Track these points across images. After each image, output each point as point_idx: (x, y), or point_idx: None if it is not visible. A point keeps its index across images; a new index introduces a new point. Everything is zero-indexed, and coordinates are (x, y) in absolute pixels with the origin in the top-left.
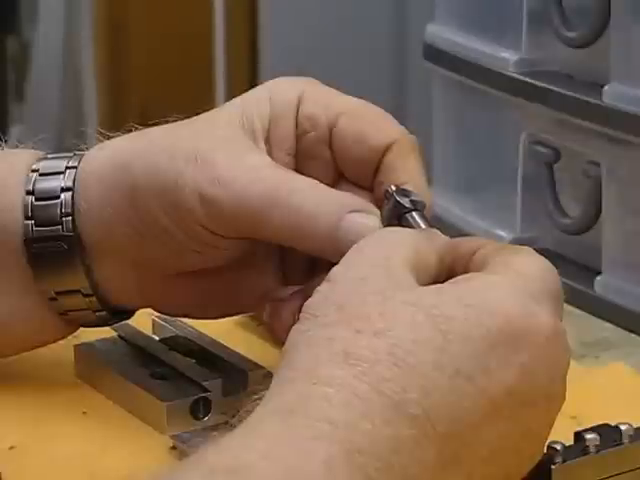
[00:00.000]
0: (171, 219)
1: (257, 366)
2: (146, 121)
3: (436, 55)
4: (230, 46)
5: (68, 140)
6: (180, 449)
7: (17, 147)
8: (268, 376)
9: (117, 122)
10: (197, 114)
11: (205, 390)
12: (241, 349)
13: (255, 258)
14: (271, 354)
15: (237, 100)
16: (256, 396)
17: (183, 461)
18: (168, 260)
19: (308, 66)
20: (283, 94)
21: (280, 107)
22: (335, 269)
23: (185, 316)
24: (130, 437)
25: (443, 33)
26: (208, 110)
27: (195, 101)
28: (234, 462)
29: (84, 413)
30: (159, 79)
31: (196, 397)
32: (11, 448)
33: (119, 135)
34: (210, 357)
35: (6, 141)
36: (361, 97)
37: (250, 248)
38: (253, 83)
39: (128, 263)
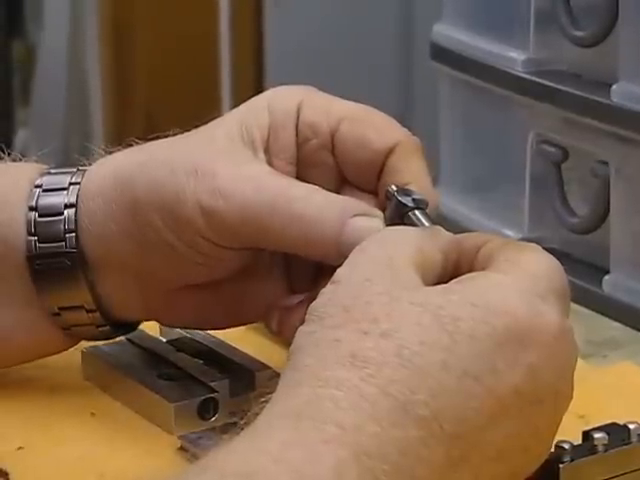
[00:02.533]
0: (173, 232)
1: (264, 366)
2: (151, 123)
3: (443, 54)
4: (236, 47)
5: (74, 143)
6: (188, 449)
7: (20, 159)
8: (275, 376)
9: (122, 124)
10: (202, 115)
11: (212, 391)
12: (248, 350)
13: (259, 268)
14: (278, 354)
15: (236, 111)
16: (263, 398)
17: (193, 464)
18: (172, 274)
19: (314, 65)
20: (282, 103)
21: (279, 116)
22: (340, 270)
23: (190, 328)
24: (138, 438)
25: (450, 32)
26: (213, 111)
27: (200, 102)
28: (245, 466)
29: (92, 414)
30: (165, 81)
31: (203, 398)
32: (19, 449)
33: (120, 149)
34: (217, 358)
35: (9, 153)
36: (368, 97)
37: (253, 258)
38: (259, 83)
39: (131, 278)
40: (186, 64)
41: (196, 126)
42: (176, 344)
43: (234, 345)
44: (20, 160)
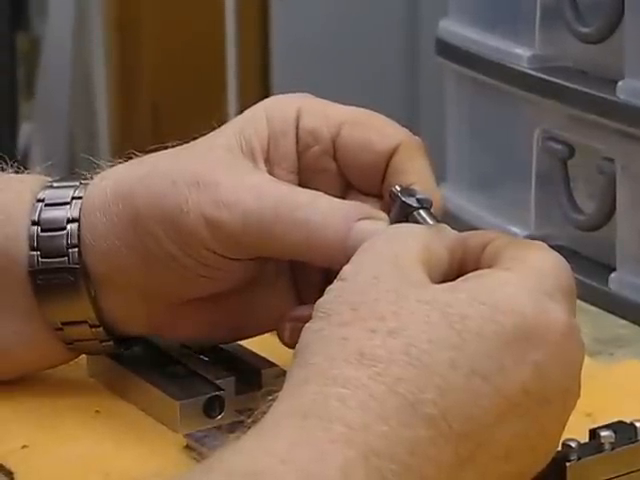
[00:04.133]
0: (176, 245)
1: (271, 364)
2: (157, 117)
3: (449, 51)
4: (242, 44)
5: (78, 137)
6: (193, 448)
7: (23, 171)
8: (282, 374)
9: (128, 118)
10: (209, 108)
11: (218, 389)
12: (255, 347)
13: (264, 279)
14: (285, 352)
15: (234, 122)
16: (270, 397)
17: (200, 464)
18: (177, 288)
19: (320, 62)
20: (280, 112)
21: (279, 125)
22: (346, 268)
23: (195, 342)
24: (143, 436)
25: (456, 29)
26: (219, 105)
27: (206, 99)
28: (252, 466)
29: (97, 412)
30: (170, 75)
31: (209, 396)
32: (23, 447)
33: (121, 162)
34: (223, 355)
35: (12, 164)
36: (373, 93)
37: (258, 269)
38: (265, 80)
39: (136, 293)
40: (192, 59)
41: (202, 121)
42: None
43: (240, 342)
44: (23, 172)
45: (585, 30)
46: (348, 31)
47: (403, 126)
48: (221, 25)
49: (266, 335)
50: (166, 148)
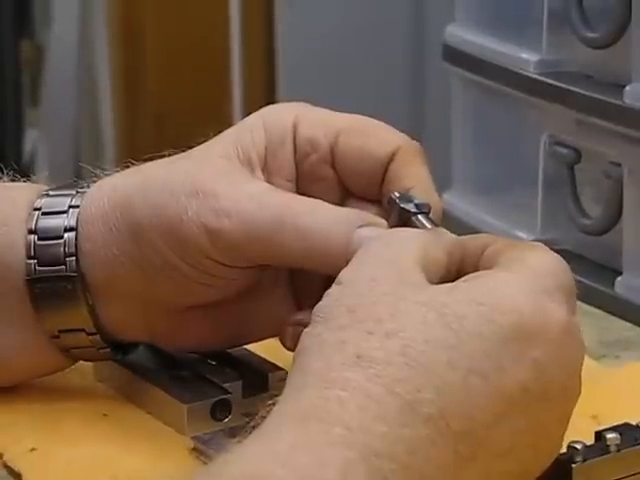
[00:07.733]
0: (178, 255)
1: (277, 368)
2: (162, 123)
3: (455, 56)
4: (247, 46)
5: (84, 143)
6: (200, 450)
7: (19, 179)
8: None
9: (132, 124)
10: (213, 115)
11: (225, 392)
12: (260, 351)
13: (263, 286)
14: (291, 356)
15: (231, 130)
16: (271, 401)
17: (204, 468)
18: (177, 296)
19: (326, 67)
20: (278, 120)
21: (276, 134)
22: (344, 271)
23: (195, 350)
24: (150, 439)
25: (463, 34)
26: (224, 111)
27: (211, 107)
28: (255, 471)
29: (105, 415)
30: (175, 81)
31: (216, 399)
32: (32, 450)
33: (119, 170)
34: (230, 359)
35: (9, 172)
36: (380, 99)
37: (258, 277)
38: (270, 84)
39: (135, 302)
40: (196, 64)
41: (206, 129)
42: None
43: (246, 346)
44: (19, 180)
45: (592, 35)
46: (354, 37)
47: (409, 131)
48: (226, 33)
49: (271, 339)
50: (163, 157)
